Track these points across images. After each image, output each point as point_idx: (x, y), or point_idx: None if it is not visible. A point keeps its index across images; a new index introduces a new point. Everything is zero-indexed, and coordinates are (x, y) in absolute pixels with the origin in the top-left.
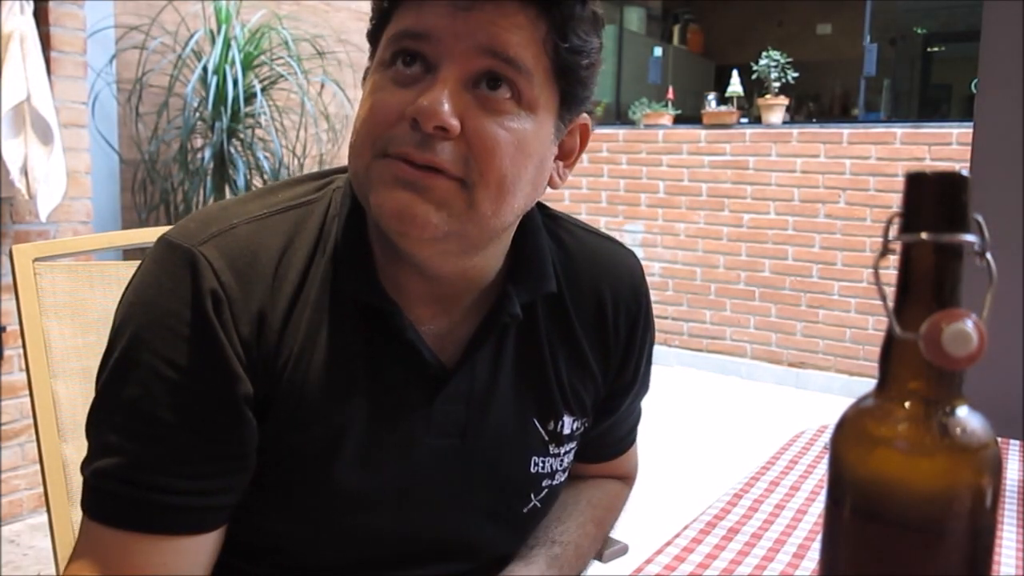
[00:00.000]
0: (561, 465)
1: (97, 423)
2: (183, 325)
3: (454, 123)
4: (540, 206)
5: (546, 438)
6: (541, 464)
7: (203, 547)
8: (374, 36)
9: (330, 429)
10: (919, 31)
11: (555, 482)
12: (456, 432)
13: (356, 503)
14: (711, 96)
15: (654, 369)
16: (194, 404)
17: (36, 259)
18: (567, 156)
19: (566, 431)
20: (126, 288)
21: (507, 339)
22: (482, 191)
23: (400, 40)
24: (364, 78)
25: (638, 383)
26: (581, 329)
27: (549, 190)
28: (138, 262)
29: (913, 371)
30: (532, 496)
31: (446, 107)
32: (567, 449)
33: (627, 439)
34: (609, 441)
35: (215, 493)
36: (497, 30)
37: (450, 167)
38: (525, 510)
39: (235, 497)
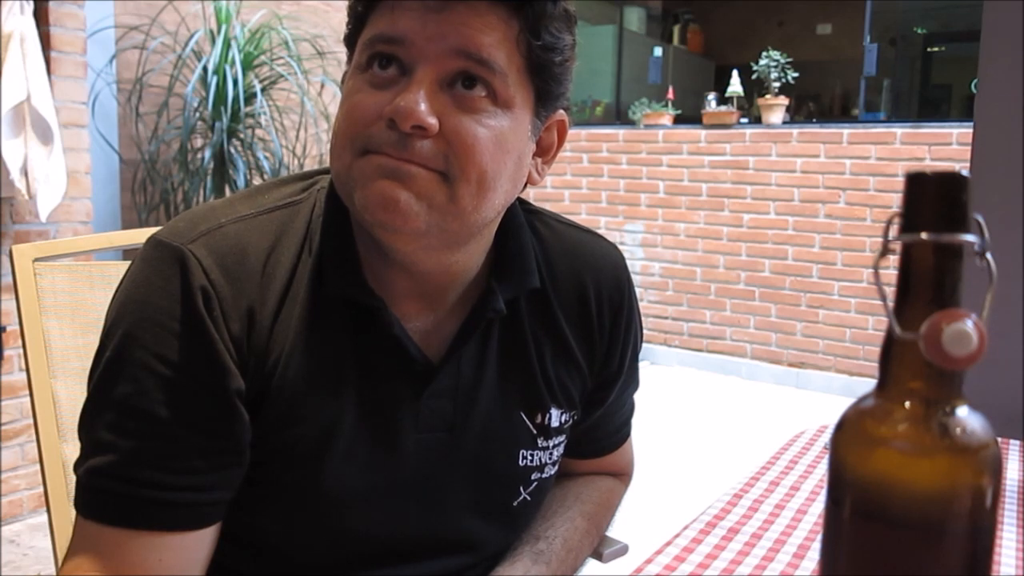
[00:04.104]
0: (550, 459)
1: (89, 422)
2: (174, 321)
3: (432, 122)
4: (520, 201)
5: (534, 431)
6: (529, 457)
7: (199, 543)
8: (350, 40)
9: (319, 426)
10: (919, 31)
11: (544, 475)
12: (443, 427)
13: (346, 499)
14: (711, 96)
15: (655, 369)
16: (186, 399)
17: (36, 259)
18: (545, 152)
19: (554, 424)
20: (117, 288)
21: (492, 334)
22: (463, 186)
23: (374, 44)
24: (342, 82)
25: (624, 375)
26: (565, 321)
27: (549, 190)
28: None
29: (913, 371)
30: (521, 490)
31: (423, 107)
32: (556, 443)
33: (619, 434)
34: (600, 435)
35: (209, 488)
36: (469, 31)
37: (430, 163)
38: (515, 504)
39: (229, 493)
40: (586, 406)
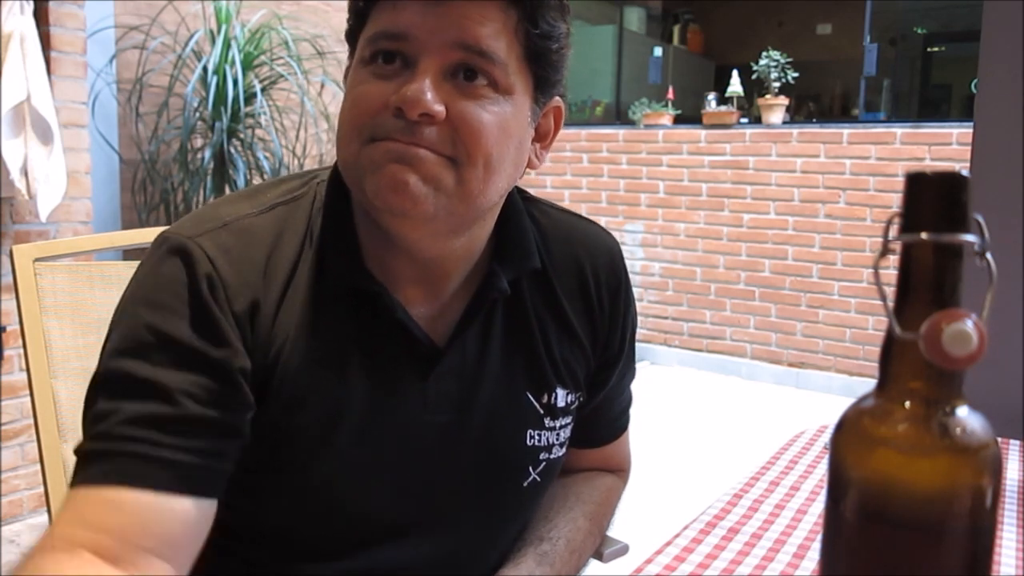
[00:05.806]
0: (558, 439)
1: (91, 401)
2: (181, 304)
3: (439, 108)
4: (518, 190)
5: (541, 411)
6: (537, 437)
7: (195, 514)
8: (352, 36)
9: (326, 411)
10: (919, 31)
11: (552, 456)
12: (451, 409)
13: (356, 482)
14: (711, 96)
15: (655, 369)
16: (191, 370)
17: (36, 259)
18: (543, 138)
19: (560, 404)
20: (127, 286)
21: (495, 316)
22: (470, 170)
23: (378, 41)
24: (345, 77)
25: (624, 356)
26: (567, 302)
27: (549, 190)
28: (138, 262)
29: (913, 371)
30: (531, 470)
31: (429, 95)
32: (563, 423)
33: (618, 422)
34: (601, 422)
35: (207, 454)
36: (469, 24)
37: (438, 148)
38: (525, 484)
39: (227, 464)
40: (589, 388)
